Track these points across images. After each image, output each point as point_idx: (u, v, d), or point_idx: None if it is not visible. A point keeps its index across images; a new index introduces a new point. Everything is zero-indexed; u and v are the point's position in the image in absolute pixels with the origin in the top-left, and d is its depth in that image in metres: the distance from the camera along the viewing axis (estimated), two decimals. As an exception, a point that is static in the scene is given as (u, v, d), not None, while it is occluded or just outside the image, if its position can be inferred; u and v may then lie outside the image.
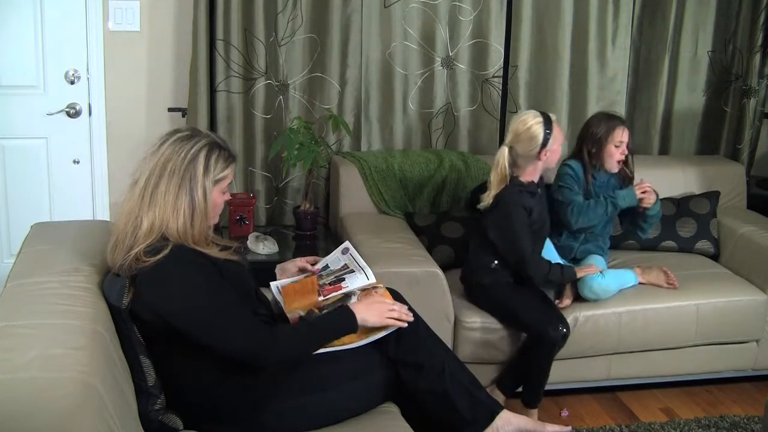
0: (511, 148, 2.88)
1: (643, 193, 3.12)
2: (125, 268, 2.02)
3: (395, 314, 2.23)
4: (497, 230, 2.90)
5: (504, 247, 2.90)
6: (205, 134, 2.12)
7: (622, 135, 3.14)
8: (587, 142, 3.17)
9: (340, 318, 2.19)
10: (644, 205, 3.13)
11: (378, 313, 2.21)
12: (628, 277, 3.16)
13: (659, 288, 3.16)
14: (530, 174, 2.90)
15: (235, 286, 2.11)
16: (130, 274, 2.01)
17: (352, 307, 2.20)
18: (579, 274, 2.99)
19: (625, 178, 3.24)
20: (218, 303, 2.02)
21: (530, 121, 2.83)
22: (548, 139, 2.81)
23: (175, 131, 2.12)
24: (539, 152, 2.83)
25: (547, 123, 2.82)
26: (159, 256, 1.99)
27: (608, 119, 3.18)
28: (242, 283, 2.18)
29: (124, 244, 2.04)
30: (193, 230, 2.06)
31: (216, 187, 2.10)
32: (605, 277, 3.04)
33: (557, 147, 2.87)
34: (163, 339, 2.04)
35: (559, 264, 2.95)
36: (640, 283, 3.18)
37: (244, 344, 2.02)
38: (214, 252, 2.10)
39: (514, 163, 2.89)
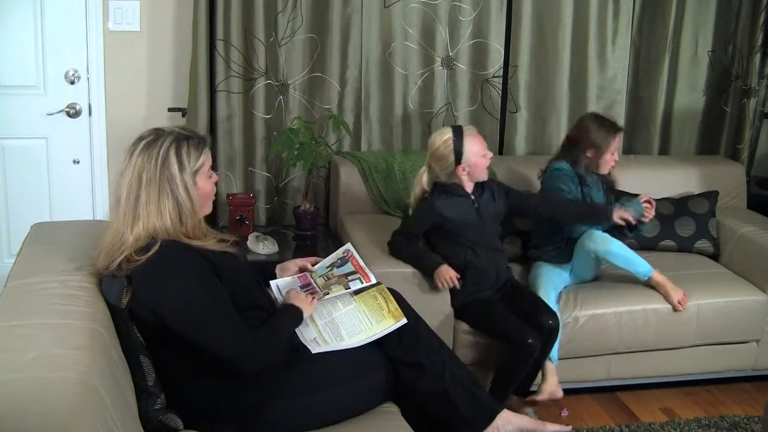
0: (430, 167, 2.91)
1: (646, 204, 3.11)
2: (115, 269, 2.02)
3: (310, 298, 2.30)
4: None
5: None
6: (168, 131, 2.10)
7: (618, 143, 3.18)
8: (585, 146, 3.15)
9: (294, 314, 2.22)
10: (646, 217, 3.11)
11: (310, 308, 2.28)
12: (640, 263, 3.08)
13: (660, 293, 3.12)
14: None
15: (231, 280, 2.11)
16: (126, 274, 2.01)
17: (294, 303, 2.26)
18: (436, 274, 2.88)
19: (608, 182, 3.25)
20: (207, 305, 2.02)
21: (439, 141, 2.85)
22: (461, 154, 2.81)
23: (139, 139, 2.10)
24: (456, 168, 2.84)
25: (458, 138, 2.82)
26: (150, 253, 1.99)
27: (607, 126, 3.15)
28: (239, 276, 2.17)
29: (110, 252, 2.05)
30: (185, 227, 2.07)
31: (198, 177, 2.09)
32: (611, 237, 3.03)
33: (477, 159, 2.85)
34: (162, 338, 2.04)
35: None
36: (649, 282, 3.10)
37: (227, 348, 2.01)
38: (210, 244, 2.10)
39: (437, 179, 2.91)
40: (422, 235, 2.98)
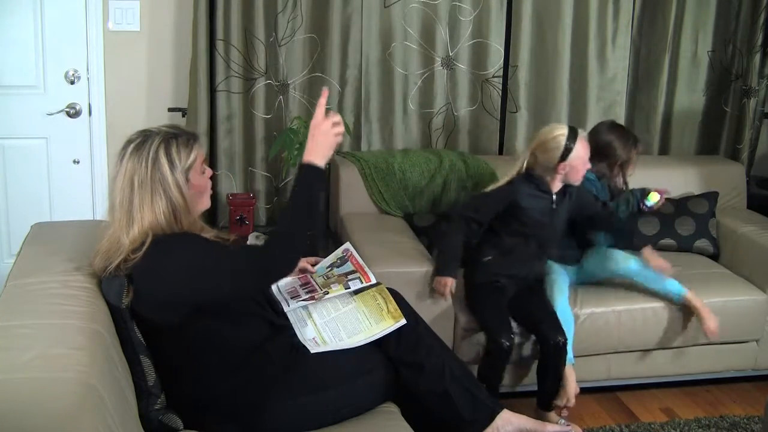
0: (533, 155, 2.89)
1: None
2: (113, 270, 2.02)
3: (340, 128, 2.17)
4: None
5: None
6: (156, 131, 2.09)
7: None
8: (614, 161, 3.19)
9: (305, 174, 2.14)
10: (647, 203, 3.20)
11: (328, 145, 2.16)
12: (670, 281, 3.06)
13: (695, 314, 3.08)
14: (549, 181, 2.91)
15: None
16: (126, 274, 2.01)
17: (305, 159, 2.14)
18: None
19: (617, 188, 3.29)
20: (206, 260, 2.03)
21: (551, 134, 2.83)
22: (569, 153, 2.79)
23: (128, 142, 2.09)
24: (557, 165, 2.81)
25: (572, 138, 2.79)
26: (144, 248, 1.99)
27: (632, 140, 3.21)
28: None
29: (107, 255, 2.05)
30: (180, 224, 2.07)
31: (191, 173, 2.08)
32: (633, 259, 3.04)
33: (579, 164, 2.82)
34: (163, 337, 2.04)
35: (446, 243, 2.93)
36: (682, 302, 3.06)
37: (248, 278, 2.05)
38: (208, 237, 2.11)
39: (531, 169, 2.90)
40: (487, 222, 2.93)
